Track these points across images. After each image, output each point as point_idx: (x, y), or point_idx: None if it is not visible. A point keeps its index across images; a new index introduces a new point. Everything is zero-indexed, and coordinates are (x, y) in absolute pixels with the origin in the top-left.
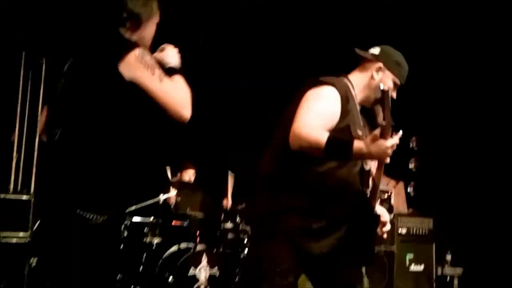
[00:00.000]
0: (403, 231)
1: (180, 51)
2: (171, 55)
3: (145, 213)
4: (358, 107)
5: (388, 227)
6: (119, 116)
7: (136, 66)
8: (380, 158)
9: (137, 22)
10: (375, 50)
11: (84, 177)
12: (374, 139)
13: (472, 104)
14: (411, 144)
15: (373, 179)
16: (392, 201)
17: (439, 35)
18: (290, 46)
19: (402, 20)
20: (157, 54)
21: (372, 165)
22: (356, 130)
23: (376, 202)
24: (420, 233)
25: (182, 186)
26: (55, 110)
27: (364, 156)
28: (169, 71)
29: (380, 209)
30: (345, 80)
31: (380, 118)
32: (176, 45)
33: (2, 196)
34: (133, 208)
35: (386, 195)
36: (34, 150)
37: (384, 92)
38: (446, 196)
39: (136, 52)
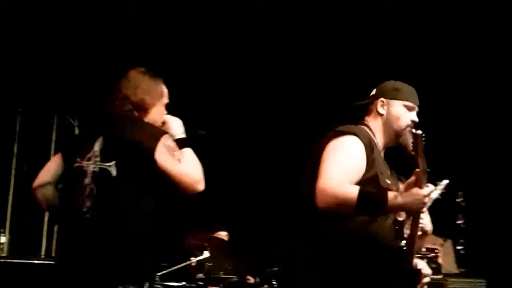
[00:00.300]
0: None
1: (180, 51)
2: (176, 126)
3: (177, 278)
4: (382, 154)
5: (427, 279)
6: (152, 191)
7: (163, 152)
8: (416, 209)
9: (143, 109)
10: (372, 92)
11: (122, 252)
12: (408, 188)
13: None
14: (457, 199)
15: (409, 231)
16: (440, 260)
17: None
18: (291, 46)
19: (402, 20)
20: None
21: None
22: (385, 180)
23: (414, 255)
24: None
25: (214, 249)
26: (83, 187)
27: (400, 208)
28: (179, 144)
29: (419, 263)
30: (364, 127)
31: (409, 149)
32: (176, 45)
33: (33, 261)
34: (165, 272)
35: (432, 254)
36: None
37: (416, 136)
38: (500, 254)
39: (163, 139)
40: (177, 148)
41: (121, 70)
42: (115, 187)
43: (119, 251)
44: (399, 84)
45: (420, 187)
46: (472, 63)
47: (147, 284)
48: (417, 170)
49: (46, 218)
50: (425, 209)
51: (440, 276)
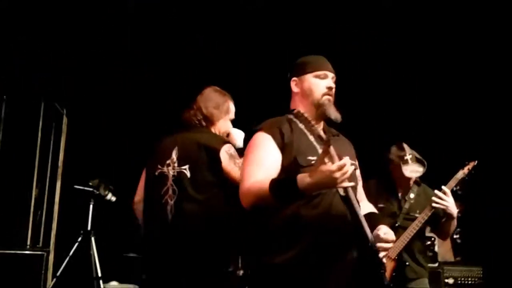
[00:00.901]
0: (449, 281)
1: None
2: (239, 138)
3: None
4: (310, 133)
5: (387, 245)
6: (220, 186)
7: (226, 157)
8: (329, 185)
9: (211, 120)
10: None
11: (203, 240)
12: (316, 166)
13: None
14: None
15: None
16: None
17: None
18: (291, 46)
19: (402, 20)
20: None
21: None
22: (306, 159)
23: (365, 225)
24: (469, 283)
25: None
26: (167, 188)
27: (313, 187)
28: (240, 152)
29: (382, 228)
30: (286, 115)
31: (332, 119)
32: (176, 45)
33: (18, 251)
34: None
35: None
36: (54, 205)
37: (298, 117)
38: (497, 242)
39: (226, 147)
40: (238, 157)
41: (121, 68)
42: (190, 186)
43: (201, 240)
44: (305, 58)
45: (331, 162)
46: (472, 62)
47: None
48: (324, 146)
49: (32, 209)
50: (344, 184)
51: (436, 264)
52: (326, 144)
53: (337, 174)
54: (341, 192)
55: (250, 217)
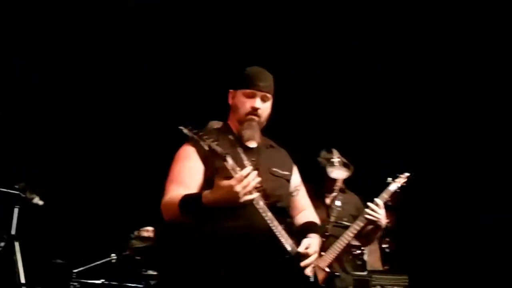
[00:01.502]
0: None
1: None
2: None
3: (96, 275)
4: (238, 145)
5: (309, 260)
6: None
7: None
8: (232, 200)
9: None
10: None
11: None
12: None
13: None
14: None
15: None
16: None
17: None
18: (290, 46)
19: (402, 20)
20: None
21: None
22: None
23: (281, 239)
24: None
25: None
26: None
27: (216, 202)
28: None
29: (305, 242)
30: (217, 126)
31: (243, 139)
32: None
33: None
34: (82, 268)
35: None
36: None
37: (191, 132)
38: (423, 253)
39: None
40: None
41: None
42: None
43: None
44: (243, 71)
45: (228, 177)
46: (470, 64)
47: None
48: (223, 161)
49: None
50: (247, 197)
51: (365, 273)
52: (222, 158)
53: (237, 188)
54: (257, 204)
55: (173, 232)
